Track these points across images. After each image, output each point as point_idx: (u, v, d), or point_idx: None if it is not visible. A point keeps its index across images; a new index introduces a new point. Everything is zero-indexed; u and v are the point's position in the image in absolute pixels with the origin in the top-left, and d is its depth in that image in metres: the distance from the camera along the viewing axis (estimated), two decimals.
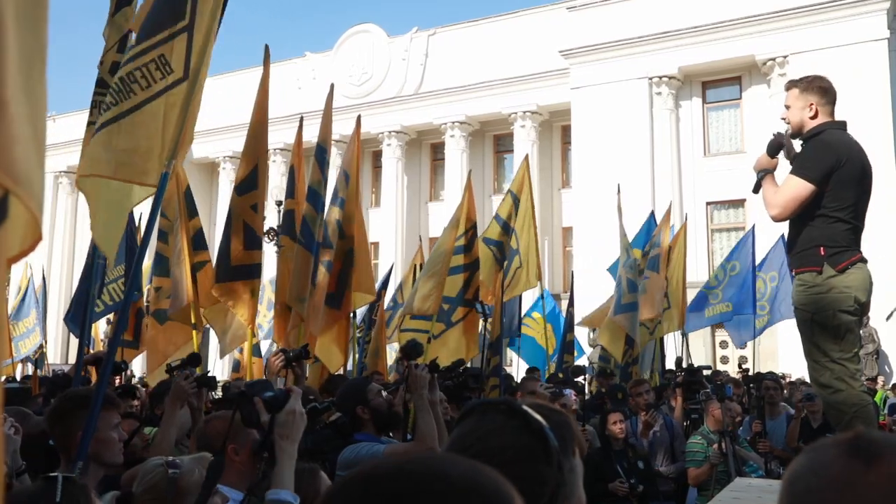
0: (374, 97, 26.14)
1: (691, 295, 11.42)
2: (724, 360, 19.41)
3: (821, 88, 3.72)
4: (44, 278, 15.99)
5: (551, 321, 11.48)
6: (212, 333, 7.00)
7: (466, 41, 25.04)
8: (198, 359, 4.10)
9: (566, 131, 23.93)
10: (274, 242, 12.31)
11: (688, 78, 21.21)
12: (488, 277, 8.30)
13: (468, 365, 7.31)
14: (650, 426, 6.47)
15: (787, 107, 3.78)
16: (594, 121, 21.25)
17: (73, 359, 15.53)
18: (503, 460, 0.97)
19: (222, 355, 6.93)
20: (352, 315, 6.89)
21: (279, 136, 22.18)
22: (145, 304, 7.92)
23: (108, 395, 3.00)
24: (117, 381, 6.14)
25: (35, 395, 5.99)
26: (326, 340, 6.29)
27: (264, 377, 5.21)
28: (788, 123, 3.79)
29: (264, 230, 7.18)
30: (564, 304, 13.26)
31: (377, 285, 8.87)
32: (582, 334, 14.37)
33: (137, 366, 16.77)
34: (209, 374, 4.11)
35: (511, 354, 16.60)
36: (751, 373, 9.54)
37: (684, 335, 10.90)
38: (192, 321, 6.34)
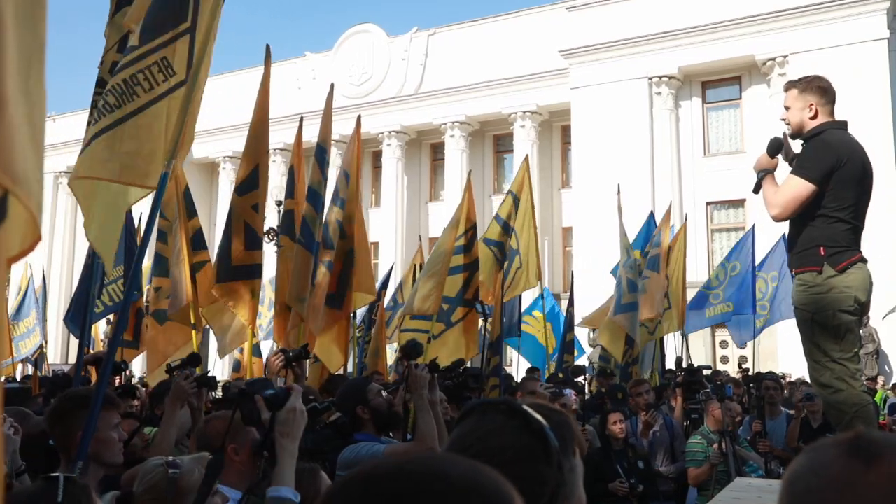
0: (374, 97, 26.15)
1: (691, 295, 11.42)
2: (724, 360, 19.41)
3: (820, 88, 3.72)
4: (44, 278, 15.99)
5: (551, 320, 11.48)
6: (212, 333, 7.00)
7: (466, 41, 25.04)
8: (198, 359, 4.09)
9: (566, 131, 23.93)
10: (274, 242, 12.30)
11: (688, 78, 21.21)
12: (488, 278, 8.30)
13: (468, 365, 7.31)
14: (650, 426, 6.47)
15: (787, 107, 3.78)
16: (594, 121, 21.25)
17: (73, 359, 15.54)
18: (503, 460, 0.97)
19: (222, 355, 6.93)
20: (352, 315, 6.89)
21: (279, 136, 22.17)
22: (145, 304, 7.92)
23: (108, 395, 3.00)
24: (117, 381, 6.14)
25: (35, 395, 5.99)
26: (326, 340, 6.29)
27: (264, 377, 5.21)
28: (788, 124, 3.78)
29: (264, 230, 7.18)
30: (564, 304, 13.25)
31: (377, 285, 8.86)
32: (582, 334, 14.38)
33: (137, 366, 16.77)
34: (209, 374, 4.11)
35: (511, 354, 16.60)
36: (751, 373, 9.54)
37: (684, 335, 10.90)
38: (192, 321, 6.34)
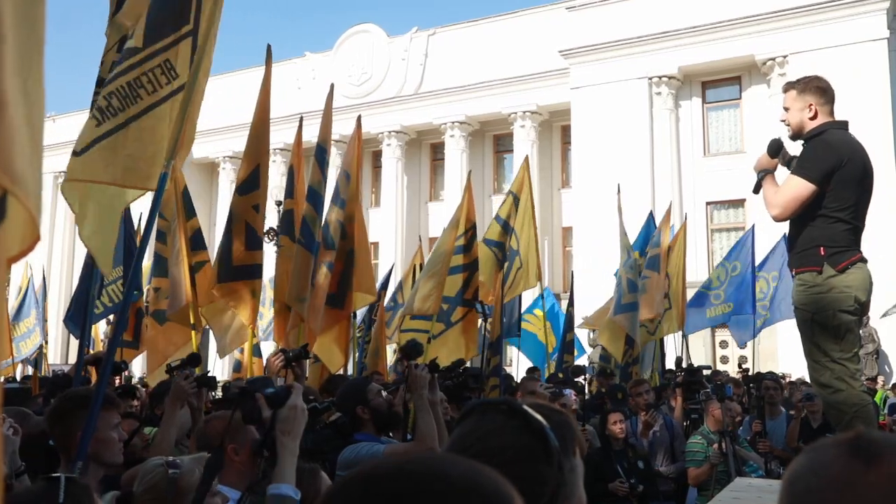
0: (374, 97, 26.15)
1: (691, 294, 11.42)
2: (724, 360, 19.41)
3: (818, 88, 3.71)
4: (44, 278, 15.99)
5: (550, 319, 11.49)
6: (212, 334, 7.00)
7: (466, 41, 25.04)
8: (198, 359, 4.09)
9: (566, 131, 23.93)
10: (273, 242, 12.30)
11: (687, 78, 21.21)
12: (489, 278, 8.30)
13: (468, 365, 7.31)
14: (650, 426, 6.47)
15: (786, 109, 3.78)
16: (594, 121, 21.25)
17: (73, 359, 15.53)
18: (503, 460, 0.97)
19: (222, 355, 6.92)
20: (352, 315, 6.89)
21: (279, 136, 22.15)
22: (145, 304, 7.92)
23: (108, 395, 3.00)
24: (117, 381, 6.14)
25: (35, 395, 5.99)
26: (327, 340, 6.29)
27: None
28: (788, 125, 3.78)
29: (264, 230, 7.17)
30: (564, 304, 13.26)
31: (377, 285, 8.86)
32: (582, 334, 14.36)
33: (137, 366, 16.77)
34: (209, 374, 4.11)
35: (511, 354, 16.60)
36: (751, 373, 9.54)
37: (684, 336, 10.90)
38: (191, 321, 6.34)
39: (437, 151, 27.00)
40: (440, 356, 6.10)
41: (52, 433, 2.96)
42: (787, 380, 11.34)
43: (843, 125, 3.72)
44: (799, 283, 3.65)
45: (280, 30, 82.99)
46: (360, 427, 3.77)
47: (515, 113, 24.07)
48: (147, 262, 8.37)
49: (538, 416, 1.12)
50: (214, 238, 23.21)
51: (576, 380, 7.93)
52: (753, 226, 11.83)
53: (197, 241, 6.71)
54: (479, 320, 7.61)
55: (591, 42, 21.43)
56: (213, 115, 22.77)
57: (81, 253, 22.99)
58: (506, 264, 8.66)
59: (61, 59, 72.15)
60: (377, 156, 27.08)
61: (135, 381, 12.36)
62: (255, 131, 5.86)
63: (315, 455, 3.20)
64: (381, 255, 24.57)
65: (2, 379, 9.13)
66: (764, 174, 3.76)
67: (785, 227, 3.88)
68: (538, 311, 11.27)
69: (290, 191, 6.72)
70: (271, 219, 13.94)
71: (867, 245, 3.69)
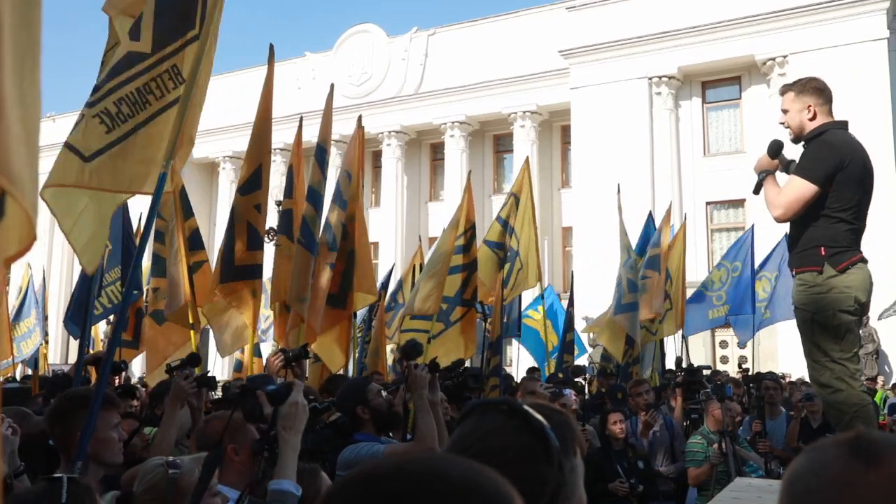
0: (374, 97, 26.14)
1: (690, 294, 11.40)
2: (724, 360, 19.42)
3: (816, 89, 3.71)
4: (44, 278, 15.98)
5: (550, 317, 11.49)
6: (212, 334, 7.00)
7: (466, 41, 25.04)
8: (197, 359, 4.09)
9: (566, 131, 23.93)
10: (273, 242, 12.29)
11: (687, 78, 21.21)
12: (489, 278, 8.30)
13: (468, 365, 7.31)
14: (650, 426, 6.46)
15: (785, 111, 3.77)
16: (594, 121, 21.25)
17: (73, 359, 15.53)
18: (503, 460, 0.97)
19: (223, 355, 6.92)
20: (352, 315, 6.89)
21: (279, 136, 21.97)
22: (144, 304, 7.91)
23: (108, 395, 3.00)
24: (117, 381, 6.14)
25: (35, 395, 5.99)
26: (328, 340, 6.29)
27: None
28: (788, 127, 3.78)
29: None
30: (564, 304, 13.26)
31: (377, 285, 8.86)
32: (583, 333, 14.37)
33: (137, 366, 16.77)
34: (209, 374, 4.11)
35: (511, 354, 16.59)
36: (751, 373, 9.54)
37: (684, 336, 10.90)
38: (190, 321, 6.33)
39: (437, 151, 27.00)
40: (440, 356, 6.09)
41: (51, 433, 2.96)
42: (787, 380, 11.34)
43: (843, 125, 3.72)
44: (799, 283, 3.65)
45: (280, 30, 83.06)
46: (360, 427, 3.77)
47: (515, 113, 24.07)
48: (147, 262, 8.36)
49: (538, 416, 1.12)
50: (215, 238, 23.23)
51: (576, 380, 7.93)
52: (753, 226, 11.82)
53: (195, 241, 6.70)
54: (479, 320, 7.60)
55: (591, 42, 21.43)
56: (213, 115, 22.76)
57: None
58: (506, 265, 8.66)
59: (61, 59, 72.17)
60: (377, 156, 27.08)
61: (134, 381, 12.36)
62: (258, 131, 5.85)
63: (315, 455, 3.20)
64: (381, 255, 24.56)
65: (1, 379, 9.13)
66: (764, 175, 3.76)
67: (785, 227, 3.88)
68: (541, 308, 11.27)
69: (289, 190, 6.72)
70: (271, 218, 13.93)
71: (867, 245, 3.69)
